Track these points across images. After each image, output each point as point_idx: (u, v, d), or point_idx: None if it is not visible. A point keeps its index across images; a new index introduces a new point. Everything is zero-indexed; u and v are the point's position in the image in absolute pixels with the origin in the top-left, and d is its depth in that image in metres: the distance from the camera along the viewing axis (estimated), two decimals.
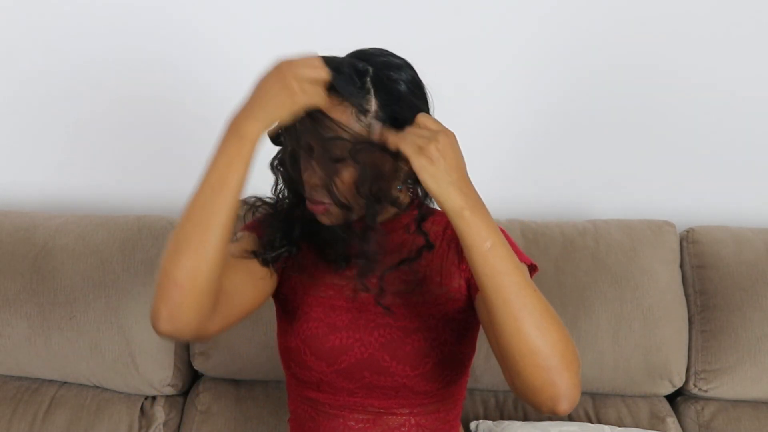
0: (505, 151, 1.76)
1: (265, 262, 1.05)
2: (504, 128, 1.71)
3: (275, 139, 1.03)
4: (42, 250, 1.54)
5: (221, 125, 1.92)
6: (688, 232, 1.63)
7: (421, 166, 0.89)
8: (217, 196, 0.89)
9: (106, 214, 1.63)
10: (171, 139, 1.77)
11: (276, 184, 1.08)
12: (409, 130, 0.92)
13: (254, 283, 1.04)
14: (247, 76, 1.78)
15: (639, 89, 1.73)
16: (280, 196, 1.08)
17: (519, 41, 1.70)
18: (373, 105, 0.94)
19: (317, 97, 0.92)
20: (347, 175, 0.96)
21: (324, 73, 0.91)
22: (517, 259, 0.91)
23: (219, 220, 0.90)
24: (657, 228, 1.59)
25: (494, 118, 1.73)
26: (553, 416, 1.51)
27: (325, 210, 1.00)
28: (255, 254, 1.04)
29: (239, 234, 1.08)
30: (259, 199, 1.10)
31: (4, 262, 1.53)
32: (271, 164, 1.07)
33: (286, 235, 1.07)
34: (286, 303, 1.11)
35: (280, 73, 0.90)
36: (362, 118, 0.94)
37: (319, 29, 1.63)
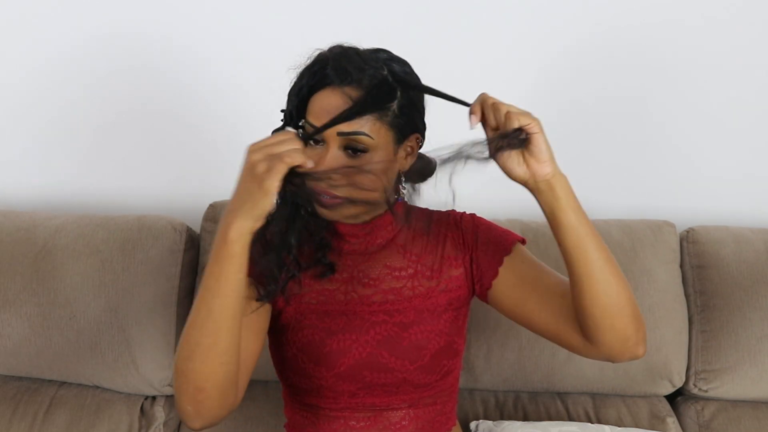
0: None
1: (270, 299, 1.05)
2: None
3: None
4: (42, 250, 1.53)
5: (219, 126, 1.91)
6: (688, 232, 1.63)
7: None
8: (217, 299, 0.91)
9: (106, 214, 1.62)
10: (171, 140, 1.76)
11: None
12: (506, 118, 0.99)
13: (256, 331, 1.04)
14: (240, 78, 1.77)
15: (639, 89, 1.73)
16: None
17: (520, 44, 1.70)
18: (393, 110, 0.98)
19: (290, 164, 0.87)
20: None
21: (292, 144, 0.89)
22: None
23: (224, 322, 0.91)
24: (657, 228, 1.59)
25: None
26: (555, 417, 1.52)
27: (336, 203, 0.99)
28: (259, 299, 1.03)
29: None
30: None
31: (4, 262, 1.53)
32: None
33: (281, 258, 1.03)
34: (278, 318, 1.10)
35: (247, 164, 0.88)
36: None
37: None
